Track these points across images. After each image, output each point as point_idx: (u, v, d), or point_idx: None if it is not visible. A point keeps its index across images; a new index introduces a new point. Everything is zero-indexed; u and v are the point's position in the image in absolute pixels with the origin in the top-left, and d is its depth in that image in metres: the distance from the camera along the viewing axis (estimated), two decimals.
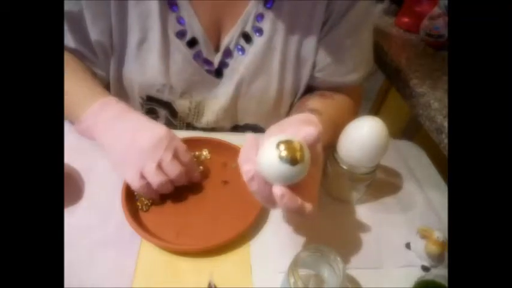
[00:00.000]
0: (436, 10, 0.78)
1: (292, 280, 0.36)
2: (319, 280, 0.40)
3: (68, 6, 0.49)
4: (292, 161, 0.32)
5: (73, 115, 0.50)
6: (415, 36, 0.86)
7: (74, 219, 0.45)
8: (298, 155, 0.32)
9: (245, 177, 0.35)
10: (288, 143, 0.33)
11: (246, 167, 0.35)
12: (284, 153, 0.32)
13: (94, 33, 0.51)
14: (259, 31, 0.54)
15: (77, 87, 0.50)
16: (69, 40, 0.52)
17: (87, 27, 0.51)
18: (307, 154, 0.34)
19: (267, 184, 0.35)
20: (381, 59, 0.81)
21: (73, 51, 0.54)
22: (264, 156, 0.34)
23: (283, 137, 0.34)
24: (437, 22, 0.78)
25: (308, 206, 0.36)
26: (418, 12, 0.85)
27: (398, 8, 0.92)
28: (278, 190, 0.33)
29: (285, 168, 0.32)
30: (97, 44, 0.52)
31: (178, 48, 0.53)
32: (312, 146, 0.35)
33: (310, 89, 0.60)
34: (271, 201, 0.35)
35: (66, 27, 0.51)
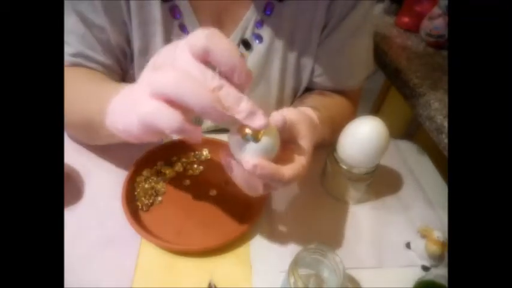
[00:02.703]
0: (436, 10, 0.78)
1: (292, 280, 0.36)
2: (319, 280, 0.40)
3: (92, 19, 0.48)
4: (253, 137, 0.33)
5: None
6: (415, 36, 0.86)
7: (73, 219, 0.45)
8: (260, 133, 0.33)
9: (224, 164, 0.36)
10: None
11: (223, 156, 0.36)
12: (247, 130, 0.33)
13: (115, 42, 0.50)
14: (259, 38, 0.53)
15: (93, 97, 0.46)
16: (99, 54, 0.50)
17: (110, 38, 0.50)
18: (272, 135, 0.34)
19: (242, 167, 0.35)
20: (381, 59, 0.81)
21: (102, 65, 0.51)
22: (231, 136, 0.35)
23: None
24: (437, 22, 0.78)
25: (286, 171, 0.35)
26: (418, 12, 0.85)
27: (399, 7, 0.92)
28: (249, 160, 0.33)
29: (248, 144, 0.33)
30: (119, 52, 0.51)
31: None
32: (290, 127, 0.37)
33: (308, 90, 0.60)
34: (252, 185, 0.36)
35: (95, 41, 0.49)
